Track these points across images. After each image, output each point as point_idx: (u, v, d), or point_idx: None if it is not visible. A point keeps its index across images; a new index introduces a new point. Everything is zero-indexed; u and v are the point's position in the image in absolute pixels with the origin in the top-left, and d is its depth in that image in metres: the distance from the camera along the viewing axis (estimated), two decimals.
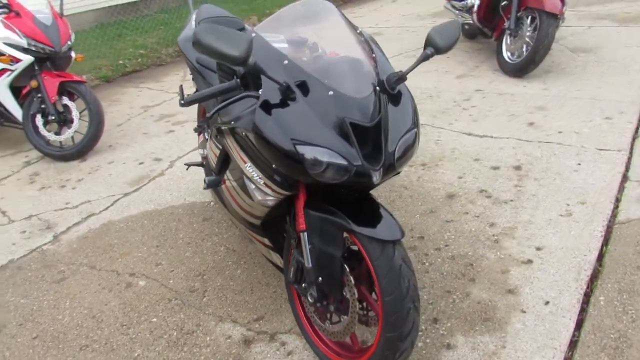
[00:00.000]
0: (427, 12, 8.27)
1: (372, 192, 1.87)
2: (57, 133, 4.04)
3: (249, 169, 1.79)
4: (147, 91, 5.78)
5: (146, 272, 2.63)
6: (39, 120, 4.01)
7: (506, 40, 4.92)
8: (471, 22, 5.40)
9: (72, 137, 4.09)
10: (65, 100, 4.01)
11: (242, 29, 2.82)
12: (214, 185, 2.17)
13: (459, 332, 2.06)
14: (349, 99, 1.56)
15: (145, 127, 4.65)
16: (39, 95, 3.95)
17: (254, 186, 1.81)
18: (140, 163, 3.92)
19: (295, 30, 1.79)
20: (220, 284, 2.48)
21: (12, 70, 3.92)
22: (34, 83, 3.93)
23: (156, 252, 2.79)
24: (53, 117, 3.96)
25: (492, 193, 2.98)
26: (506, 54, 4.91)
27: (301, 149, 1.52)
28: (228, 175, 2.09)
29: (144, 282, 2.56)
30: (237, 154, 1.87)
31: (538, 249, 2.47)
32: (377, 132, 1.57)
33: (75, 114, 4.01)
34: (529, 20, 4.64)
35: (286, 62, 1.63)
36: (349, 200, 1.75)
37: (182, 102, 1.71)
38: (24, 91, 4.03)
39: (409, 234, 2.69)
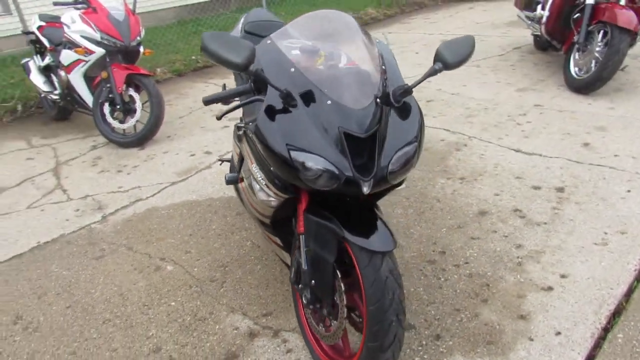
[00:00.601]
0: (503, 21, 8.01)
1: (388, 200, 1.89)
2: (121, 121, 4.35)
3: (255, 169, 1.87)
4: (213, 86, 6.05)
5: (175, 258, 2.79)
6: (106, 108, 4.34)
7: (574, 54, 4.68)
8: (539, 33, 5.18)
9: (134, 126, 4.39)
10: (131, 91, 4.31)
11: None
12: (232, 182, 2.27)
13: (459, 351, 2.02)
14: (346, 109, 1.59)
15: (204, 121, 4.88)
16: (108, 85, 4.27)
17: (258, 187, 1.88)
18: (192, 155, 4.13)
19: (310, 38, 1.84)
20: (239, 277, 2.59)
21: (86, 61, 4.28)
22: (104, 74, 4.26)
23: (188, 240, 2.95)
24: (119, 107, 4.27)
25: (527, 214, 2.87)
26: (573, 69, 4.67)
27: (295, 154, 1.57)
28: (243, 173, 2.18)
29: (171, 267, 2.72)
30: (247, 154, 1.95)
31: (562, 276, 2.36)
32: (371, 143, 1.59)
33: (138, 105, 4.30)
34: (600, 35, 4.39)
35: (292, 69, 1.69)
36: (348, 208, 1.77)
37: (203, 100, 1.82)
38: (96, 81, 4.38)
39: (431, 248, 2.66)
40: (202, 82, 6.32)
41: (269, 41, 1.83)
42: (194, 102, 5.48)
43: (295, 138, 1.59)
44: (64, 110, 5.12)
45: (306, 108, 1.62)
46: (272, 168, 1.70)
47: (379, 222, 1.73)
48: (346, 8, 9.19)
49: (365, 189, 1.58)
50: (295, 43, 1.82)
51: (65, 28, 4.36)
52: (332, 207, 1.76)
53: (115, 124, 4.35)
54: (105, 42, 4.18)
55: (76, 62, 4.33)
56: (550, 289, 2.29)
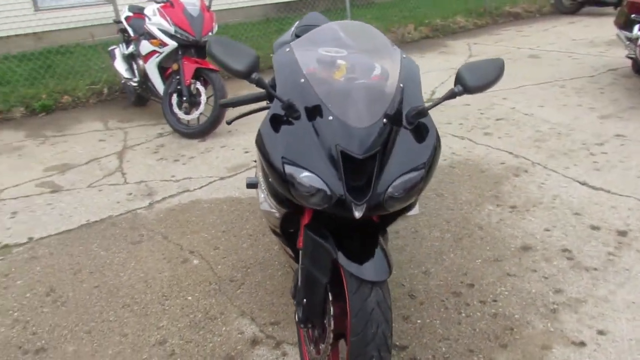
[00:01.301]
0: (603, 39, 7.39)
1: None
2: (187, 113, 4.52)
3: (261, 179, 1.84)
4: None
5: (203, 253, 2.84)
6: (174, 99, 4.53)
7: None
8: (634, 55, 4.71)
9: (198, 119, 4.54)
10: (198, 84, 4.46)
11: None
12: (251, 186, 2.25)
13: None
14: (347, 127, 1.51)
15: None
16: (178, 77, 4.45)
17: (263, 197, 1.85)
18: (246, 152, 4.20)
19: (331, 49, 1.77)
20: (258, 281, 2.58)
21: (160, 53, 4.49)
22: (175, 66, 4.44)
23: (220, 236, 3.00)
24: (185, 98, 4.44)
25: (576, 255, 2.60)
26: None
27: (289, 168, 1.52)
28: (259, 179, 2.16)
29: (197, 262, 2.77)
30: (258, 161, 1.92)
31: (600, 332, 2.11)
32: (371, 165, 1.50)
33: (203, 98, 4.44)
34: None
35: (302, 80, 1.64)
36: (349, 229, 1.69)
37: (220, 103, 1.82)
38: (168, 72, 4.58)
39: (460, 278, 2.49)
40: None
41: (287, 49, 1.79)
42: None
43: (292, 152, 1.53)
44: (141, 97, 5.41)
45: (308, 122, 1.56)
46: (270, 179, 1.66)
47: (377, 250, 1.63)
48: (435, 16, 8.94)
49: (357, 213, 1.49)
50: (316, 53, 1.76)
51: (147, 20, 4.60)
52: (335, 226, 1.69)
53: (180, 114, 4.53)
54: (179, 35, 4.35)
55: (152, 53, 4.56)
56: (582, 344, 2.06)
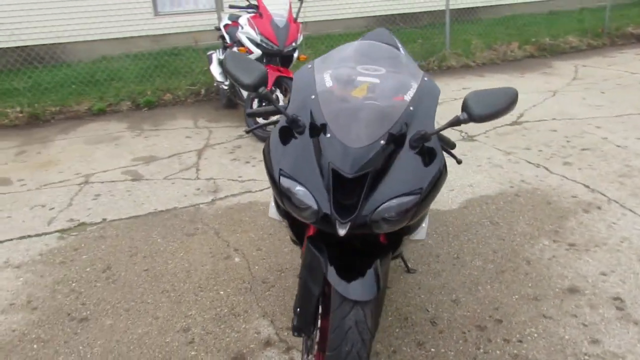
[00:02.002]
0: None
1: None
2: (265, 118, 4.74)
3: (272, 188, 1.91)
4: None
5: (245, 252, 2.98)
6: (255, 104, 4.77)
7: None
8: None
9: (275, 125, 4.74)
10: (278, 92, 4.66)
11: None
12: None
13: None
14: (342, 146, 1.53)
15: None
16: None
17: (273, 203, 1.92)
18: None
19: (350, 67, 1.80)
20: (288, 285, 2.66)
21: None
22: None
23: (266, 238, 3.12)
24: (264, 104, 4.66)
25: (628, 306, 2.36)
26: None
27: (283, 180, 1.58)
28: None
29: (238, 259, 2.91)
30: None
31: None
32: (360, 185, 1.51)
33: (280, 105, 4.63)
34: None
35: (313, 96, 1.69)
36: (350, 246, 1.71)
37: (246, 113, 1.93)
38: None
39: (489, 312, 2.37)
40: None
41: (309, 65, 1.85)
42: None
43: (290, 165, 1.59)
44: (231, 100, 5.75)
45: (310, 138, 1.61)
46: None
47: (370, 270, 1.62)
48: (544, 34, 8.45)
49: (341, 231, 1.51)
50: (336, 71, 1.79)
51: (239, 28, 4.90)
52: (336, 241, 1.71)
53: (259, 119, 4.76)
54: (264, 45, 4.59)
55: None
56: None
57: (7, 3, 7.04)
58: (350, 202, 1.52)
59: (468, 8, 9.60)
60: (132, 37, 7.85)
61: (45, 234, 3.28)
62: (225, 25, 5.58)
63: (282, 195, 1.58)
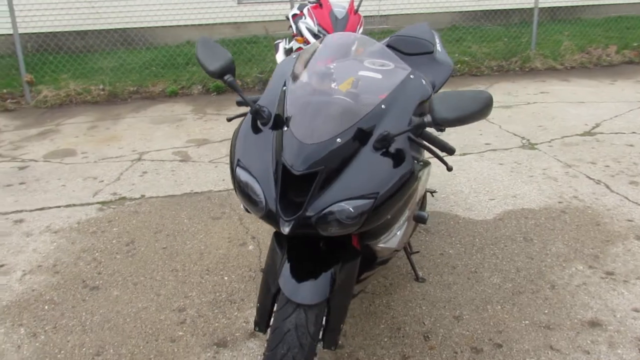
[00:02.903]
0: None
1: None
2: None
3: None
4: None
5: (261, 241, 2.99)
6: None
7: None
8: None
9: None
10: None
11: (426, 53, 2.72)
12: None
13: None
14: (295, 141, 1.47)
15: None
16: None
17: None
18: None
19: (332, 61, 1.72)
20: None
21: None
22: None
23: None
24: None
25: None
26: None
27: (239, 171, 1.55)
28: None
29: (252, 248, 2.93)
30: None
31: None
32: (308, 183, 1.44)
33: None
34: None
35: (284, 88, 1.63)
36: (314, 245, 1.64)
37: (236, 101, 1.92)
38: None
39: (490, 335, 2.18)
40: None
41: (294, 55, 1.79)
42: None
43: (247, 156, 1.56)
44: None
45: (268, 130, 1.56)
46: None
47: (325, 274, 1.56)
48: (632, 39, 7.61)
49: (285, 229, 1.45)
50: (316, 65, 1.72)
51: (302, 18, 4.90)
52: (303, 240, 1.66)
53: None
54: (321, 35, 4.55)
55: (298, 49, 4.85)
56: None
57: None
58: (300, 201, 1.46)
59: (567, 7, 8.88)
60: (215, 24, 8.16)
61: (88, 204, 3.51)
62: (293, 15, 5.60)
63: (236, 187, 1.56)
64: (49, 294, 2.56)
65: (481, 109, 1.41)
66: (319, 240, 1.66)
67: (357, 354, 2.13)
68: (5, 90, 6.12)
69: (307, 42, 4.67)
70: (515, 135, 4.53)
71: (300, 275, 1.54)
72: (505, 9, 8.72)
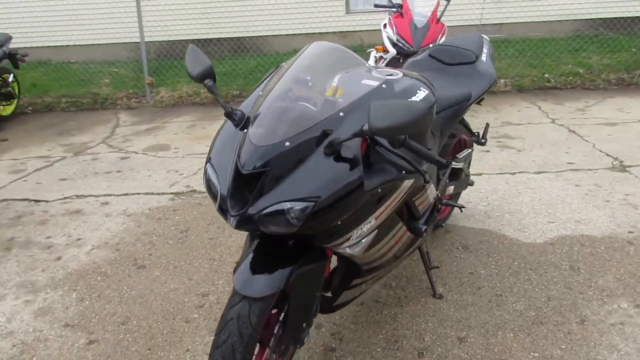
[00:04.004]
0: None
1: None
2: None
3: None
4: (531, 110, 5.54)
5: None
6: None
7: None
8: None
9: None
10: None
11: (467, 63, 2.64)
12: None
13: None
14: (249, 142, 1.56)
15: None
16: None
17: None
18: None
19: (309, 70, 1.76)
20: None
21: (385, 59, 4.78)
22: None
23: None
24: None
25: None
26: None
27: (208, 167, 1.67)
28: None
29: None
30: None
31: None
32: (253, 182, 1.52)
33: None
34: None
35: (260, 93, 1.73)
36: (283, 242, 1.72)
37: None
38: None
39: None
40: (529, 102, 5.85)
41: (284, 64, 1.88)
42: (495, 119, 5.22)
43: (216, 154, 1.68)
44: None
45: (240, 131, 1.66)
46: None
47: (280, 270, 1.63)
48: None
49: (231, 223, 1.55)
50: (296, 72, 1.78)
51: (384, 28, 4.94)
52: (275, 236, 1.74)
53: None
54: (400, 44, 4.54)
55: (379, 59, 4.89)
56: None
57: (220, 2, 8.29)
58: (245, 196, 1.55)
59: None
60: (322, 33, 8.46)
61: (163, 194, 3.91)
62: (384, 25, 5.64)
63: (204, 182, 1.69)
64: (105, 267, 2.94)
65: (413, 120, 1.37)
66: (289, 240, 1.73)
67: (346, 358, 2.15)
68: (131, 91, 7.00)
69: (386, 51, 4.70)
70: (608, 155, 4.09)
71: (255, 269, 1.63)
72: (627, 17, 7.82)
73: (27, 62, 6.38)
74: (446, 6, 4.69)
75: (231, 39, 8.23)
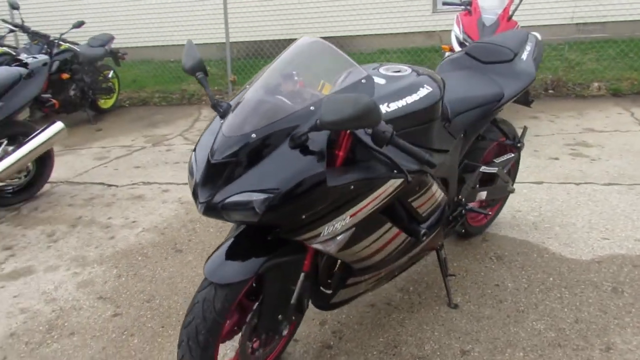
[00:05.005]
0: None
1: None
2: None
3: None
4: (622, 116, 5.01)
5: None
6: None
7: None
8: None
9: None
10: None
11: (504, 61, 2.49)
12: None
13: None
14: (220, 132, 1.60)
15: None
16: None
17: None
18: None
19: (295, 64, 1.75)
20: None
21: None
22: None
23: None
24: None
25: None
26: None
27: (191, 155, 1.74)
28: None
29: None
30: None
31: None
32: (220, 171, 1.55)
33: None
34: None
35: (247, 86, 1.76)
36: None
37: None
38: None
39: None
40: (622, 108, 5.29)
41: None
42: (577, 125, 4.81)
43: (200, 143, 1.74)
44: None
45: (218, 121, 1.72)
46: None
47: (252, 260, 1.67)
48: None
49: (199, 209, 1.60)
50: (277, 65, 1.78)
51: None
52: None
53: None
54: (466, 43, 4.35)
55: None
56: None
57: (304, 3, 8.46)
58: (214, 183, 1.59)
59: None
60: (407, 33, 8.33)
61: None
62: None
63: (188, 168, 1.77)
64: (148, 249, 3.16)
65: (358, 115, 1.32)
66: (269, 232, 1.75)
67: (339, 357, 2.13)
68: (216, 88, 7.40)
69: (452, 50, 4.53)
70: None
71: (227, 257, 1.68)
72: None
73: (126, 59, 7.00)
74: (519, 4, 4.40)
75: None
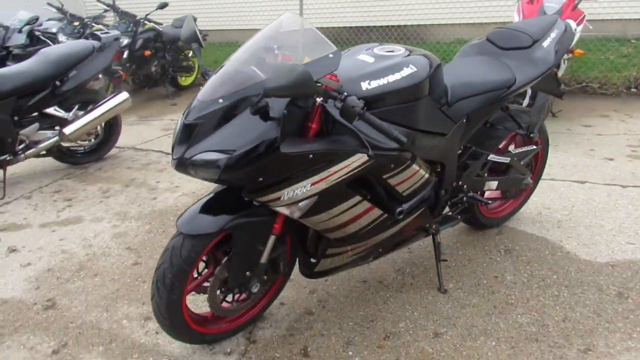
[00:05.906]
0: None
1: None
2: None
3: None
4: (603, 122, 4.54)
5: None
6: None
7: None
8: None
9: None
10: None
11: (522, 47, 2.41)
12: None
13: None
14: (196, 97, 1.74)
15: (560, 151, 4.06)
16: None
17: None
18: None
19: (273, 40, 1.84)
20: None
21: None
22: None
23: None
24: None
25: None
26: None
27: (181, 119, 1.90)
28: None
29: None
30: None
31: None
32: (191, 132, 1.69)
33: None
34: None
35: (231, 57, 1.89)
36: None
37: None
38: None
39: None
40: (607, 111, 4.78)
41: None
42: (591, 128, 4.44)
43: (189, 107, 1.89)
44: None
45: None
46: None
47: (220, 216, 1.81)
48: None
49: (172, 164, 1.76)
50: (259, 37, 1.87)
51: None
52: None
53: None
54: None
55: None
56: None
57: None
58: (190, 142, 1.73)
59: None
60: (485, 23, 8.02)
61: None
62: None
63: None
64: (181, 210, 3.43)
65: (292, 84, 1.40)
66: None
67: (316, 324, 2.22)
68: None
69: None
70: None
71: (200, 211, 1.84)
72: None
73: (207, 40, 7.43)
74: None
75: (394, 27, 8.34)
